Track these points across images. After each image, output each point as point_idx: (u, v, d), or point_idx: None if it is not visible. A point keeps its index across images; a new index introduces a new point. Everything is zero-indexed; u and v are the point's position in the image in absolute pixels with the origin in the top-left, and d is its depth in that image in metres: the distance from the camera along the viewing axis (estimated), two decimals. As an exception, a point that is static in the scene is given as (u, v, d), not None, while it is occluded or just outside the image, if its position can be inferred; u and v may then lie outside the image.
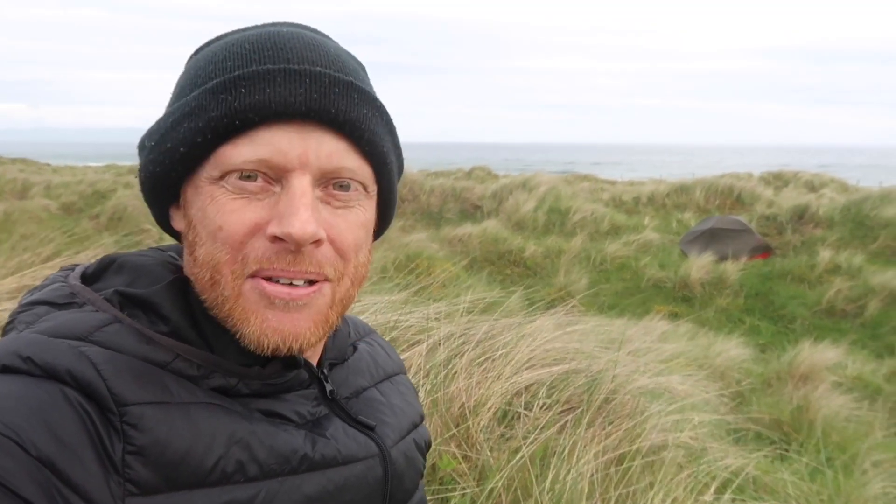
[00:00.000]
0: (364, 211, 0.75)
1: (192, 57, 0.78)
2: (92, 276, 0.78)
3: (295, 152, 0.69)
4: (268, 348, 0.71)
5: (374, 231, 0.80)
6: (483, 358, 2.67)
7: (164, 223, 0.79)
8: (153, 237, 8.77)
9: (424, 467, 0.95)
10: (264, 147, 0.68)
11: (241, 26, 0.79)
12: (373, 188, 0.76)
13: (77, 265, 0.81)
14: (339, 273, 0.73)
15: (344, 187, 0.72)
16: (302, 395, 0.78)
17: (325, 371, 0.82)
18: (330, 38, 0.77)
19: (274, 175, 0.70)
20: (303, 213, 0.68)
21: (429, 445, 0.97)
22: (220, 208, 0.69)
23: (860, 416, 6.24)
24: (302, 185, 0.69)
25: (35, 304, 0.73)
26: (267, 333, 0.70)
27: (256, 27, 0.76)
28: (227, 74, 0.69)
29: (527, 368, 2.69)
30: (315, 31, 0.77)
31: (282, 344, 0.71)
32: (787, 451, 4.26)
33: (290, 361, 0.76)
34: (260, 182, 0.69)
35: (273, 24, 0.77)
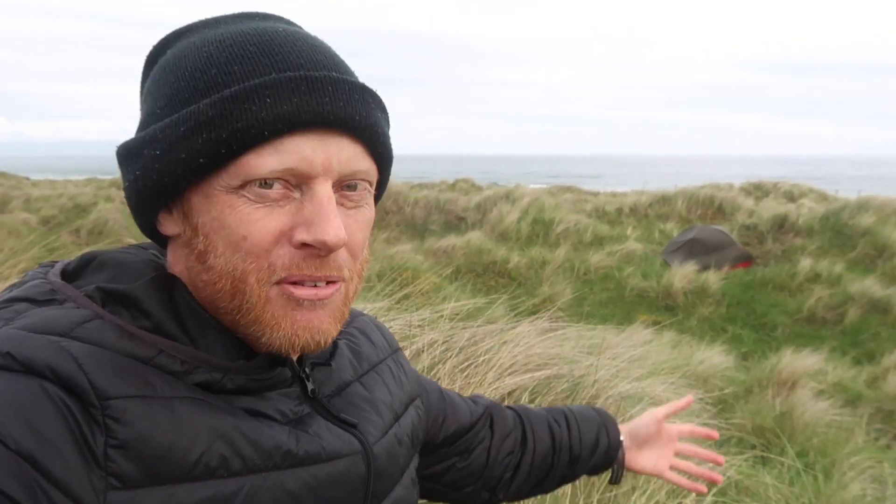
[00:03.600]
0: (369, 209, 0.77)
1: (161, 52, 0.76)
2: (72, 273, 0.77)
3: (318, 159, 0.69)
4: (298, 346, 0.73)
5: None
6: (466, 364, 2.68)
7: (149, 228, 0.78)
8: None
9: (411, 459, 0.94)
10: (291, 156, 0.68)
11: (210, 16, 0.77)
12: (374, 185, 0.78)
13: (56, 262, 0.80)
14: (351, 273, 0.75)
15: (352, 187, 0.73)
16: (284, 393, 0.78)
17: (307, 370, 0.82)
18: (310, 32, 0.78)
19: (294, 182, 0.70)
20: (334, 220, 0.69)
21: (416, 437, 0.97)
22: (244, 218, 0.69)
23: (841, 422, 6.31)
24: (327, 191, 0.70)
25: (14, 301, 0.72)
26: (298, 332, 0.72)
27: (238, 21, 0.75)
28: (244, 82, 0.68)
29: (509, 374, 2.70)
30: (293, 23, 0.78)
31: (311, 340, 0.73)
32: (768, 455, 4.30)
33: (276, 358, 0.76)
34: (280, 189, 0.69)
35: (252, 18, 0.76)
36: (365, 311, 1.08)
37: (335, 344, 0.92)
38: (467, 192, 22.88)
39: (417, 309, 3.24)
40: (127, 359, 0.67)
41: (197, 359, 0.71)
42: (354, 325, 0.99)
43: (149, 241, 0.83)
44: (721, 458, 1.34)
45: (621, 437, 1.30)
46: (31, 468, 0.58)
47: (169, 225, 0.75)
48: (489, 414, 1.19)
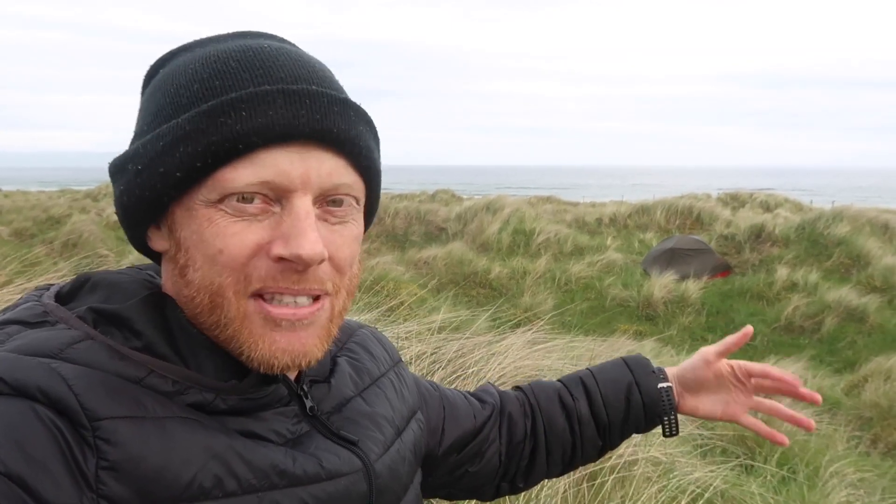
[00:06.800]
0: (356, 225, 0.76)
1: (156, 72, 0.76)
2: (67, 296, 0.76)
3: (296, 173, 0.68)
4: (277, 368, 0.71)
5: None
6: (454, 377, 2.67)
7: (139, 243, 0.78)
8: (110, 262, 8.58)
9: (414, 475, 0.93)
10: (266, 169, 0.68)
11: (205, 36, 0.78)
12: (363, 201, 0.77)
13: (52, 285, 0.80)
14: (336, 287, 0.74)
15: (337, 203, 0.73)
16: (281, 412, 0.76)
17: (306, 387, 0.81)
18: (303, 50, 0.77)
19: (273, 195, 0.69)
20: (310, 234, 0.68)
21: (418, 451, 0.95)
22: (220, 231, 0.68)
23: (821, 430, 6.38)
24: (305, 205, 0.69)
25: (6, 324, 0.71)
26: (276, 355, 0.70)
27: (228, 39, 0.75)
28: (222, 96, 0.68)
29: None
30: (287, 41, 0.78)
31: (291, 363, 0.71)
32: (752, 464, 4.32)
33: (268, 376, 0.75)
34: (259, 203, 0.69)
35: (243, 36, 0.76)
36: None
37: (335, 361, 0.91)
38: (448, 203, 22.93)
39: (404, 321, 3.23)
40: (118, 379, 0.66)
41: (188, 379, 0.70)
42: (354, 340, 0.98)
43: (149, 262, 0.83)
44: (818, 397, 1.13)
45: (667, 384, 1.16)
46: (21, 491, 0.57)
47: (157, 240, 0.75)
48: (497, 412, 1.14)
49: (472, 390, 1.19)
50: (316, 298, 0.72)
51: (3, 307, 0.77)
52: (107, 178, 0.79)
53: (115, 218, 0.79)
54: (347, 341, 0.97)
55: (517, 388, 1.21)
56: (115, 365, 0.67)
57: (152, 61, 0.78)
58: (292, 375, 0.80)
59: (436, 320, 3.22)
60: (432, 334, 3.07)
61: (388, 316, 3.54)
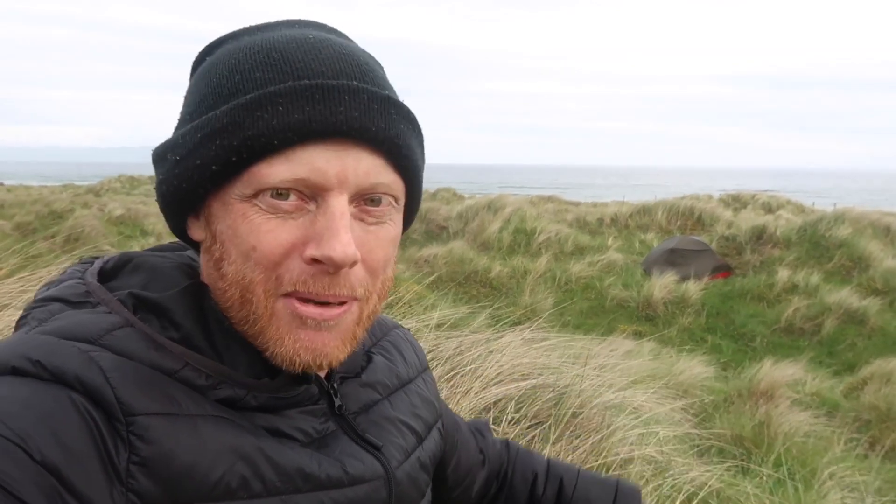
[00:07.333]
0: (394, 226, 0.74)
1: (203, 58, 0.75)
2: (109, 273, 0.77)
3: (333, 171, 0.67)
4: (299, 366, 0.71)
5: None
6: (452, 374, 2.68)
7: (180, 231, 0.78)
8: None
9: (429, 484, 0.91)
10: (302, 166, 0.67)
11: (254, 23, 0.76)
12: (402, 201, 0.75)
13: (97, 258, 0.80)
14: (368, 292, 0.73)
15: (375, 202, 0.71)
16: (309, 410, 0.76)
17: (336, 385, 0.81)
18: (352, 41, 0.76)
19: (309, 193, 0.68)
20: (343, 235, 0.67)
21: (435, 460, 0.94)
22: (255, 228, 0.68)
23: (819, 432, 6.38)
24: (341, 205, 0.68)
25: (49, 301, 0.72)
26: (300, 353, 0.70)
27: (275, 28, 0.74)
28: (260, 89, 0.67)
29: (495, 384, 2.70)
30: (336, 31, 0.76)
31: (313, 362, 0.71)
32: (748, 465, 4.33)
33: (302, 375, 0.75)
34: (294, 200, 0.68)
35: (291, 25, 0.74)
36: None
37: (369, 357, 0.90)
38: (449, 202, 22.92)
39: (402, 318, 3.24)
40: (153, 371, 0.67)
41: (222, 374, 0.70)
42: (389, 339, 0.97)
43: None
44: None
45: None
46: (56, 480, 0.58)
47: (196, 230, 0.75)
48: (489, 466, 1.11)
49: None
50: (342, 301, 0.71)
51: (45, 283, 0.77)
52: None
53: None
54: (383, 338, 0.96)
55: (506, 442, 1.17)
56: (152, 356, 0.67)
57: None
58: (322, 373, 0.80)
59: (434, 317, 3.23)
60: (430, 331, 3.09)
61: (387, 312, 3.55)
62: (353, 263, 0.69)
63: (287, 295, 0.70)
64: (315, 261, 0.68)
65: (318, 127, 0.66)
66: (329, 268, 0.68)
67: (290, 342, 0.70)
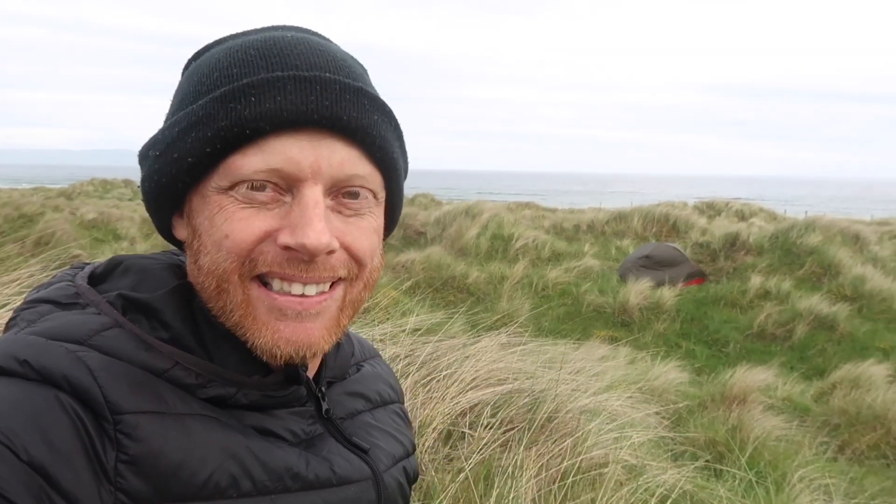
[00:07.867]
0: (375, 218, 0.75)
1: (191, 62, 0.77)
2: (100, 277, 0.77)
3: (307, 161, 0.68)
4: (280, 359, 0.71)
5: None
6: (428, 379, 2.68)
7: (166, 232, 0.78)
8: (83, 261, 8.45)
9: (409, 498, 0.93)
10: (275, 156, 0.67)
11: (240, 31, 0.78)
12: (382, 195, 0.76)
13: (87, 264, 0.80)
14: (353, 273, 0.73)
15: (353, 195, 0.72)
16: (297, 412, 0.77)
17: (323, 389, 0.81)
18: (333, 42, 0.77)
19: (284, 185, 0.69)
20: (316, 223, 0.67)
21: (415, 476, 0.95)
22: (229, 217, 0.68)
23: (790, 436, 6.47)
24: (314, 194, 0.68)
25: (39, 302, 0.72)
26: (279, 344, 0.70)
27: (259, 31, 0.75)
28: (234, 82, 0.68)
29: (471, 388, 2.71)
30: (318, 34, 0.77)
31: (295, 354, 0.71)
32: (721, 468, 4.38)
33: (293, 375, 0.75)
34: (270, 192, 0.68)
35: (274, 29, 0.76)
36: None
37: (359, 367, 0.92)
38: (427, 207, 22.92)
39: (379, 323, 3.24)
40: (142, 371, 0.67)
41: (212, 373, 0.70)
42: (375, 363, 0.98)
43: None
44: None
45: None
46: (42, 480, 0.58)
47: (180, 229, 0.76)
48: None
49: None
50: (331, 285, 0.71)
51: (36, 287, 0.78)
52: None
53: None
54: (373, 358, 0.98)
55: None
56: (141, 356, 0.68)
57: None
58: (311, 372, 0.80)
59: (411, 322, 3.24)
60: (407, 336, 3.09)
61: (364, 317, 3.55)
62: (330, 252, 0.69)
63: (262, 280, 0.70)
64: (288, 248, 0.68)
65: (290, 116, 0.67)
66: (303, 255, 0.68)
67: (268, 333, 0.70)
